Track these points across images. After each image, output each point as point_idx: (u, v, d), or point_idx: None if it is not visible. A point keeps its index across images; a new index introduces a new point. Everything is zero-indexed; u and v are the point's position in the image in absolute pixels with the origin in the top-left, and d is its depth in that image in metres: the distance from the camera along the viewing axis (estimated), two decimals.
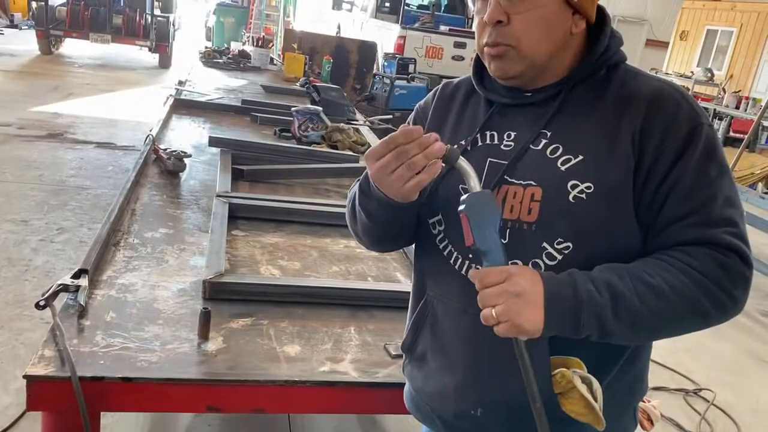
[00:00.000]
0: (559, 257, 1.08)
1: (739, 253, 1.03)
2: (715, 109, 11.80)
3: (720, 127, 11.35)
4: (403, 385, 1.39)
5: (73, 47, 13.38)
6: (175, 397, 1.43)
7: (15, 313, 3.29)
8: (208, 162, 3.15)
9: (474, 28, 1.19)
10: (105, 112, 8.13)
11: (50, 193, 5.06)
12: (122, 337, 1.51)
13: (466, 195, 1.06)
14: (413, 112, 1.37)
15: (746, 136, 7.58)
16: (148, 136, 3.26)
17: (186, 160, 2.88)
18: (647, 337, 1.13)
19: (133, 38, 12.56)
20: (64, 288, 1.61)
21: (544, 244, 1.08)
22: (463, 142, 1.21)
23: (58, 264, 3.89)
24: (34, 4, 12.70)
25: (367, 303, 1.87)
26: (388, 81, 8.82)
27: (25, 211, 4.64)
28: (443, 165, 1.07)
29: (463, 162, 1.08)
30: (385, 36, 11.10)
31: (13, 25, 15.62)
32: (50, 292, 1.54)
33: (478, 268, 1.08)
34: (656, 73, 13.20)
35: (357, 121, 4.81)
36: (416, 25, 11.21)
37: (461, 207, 1.06)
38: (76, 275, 1.67)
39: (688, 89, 8.82)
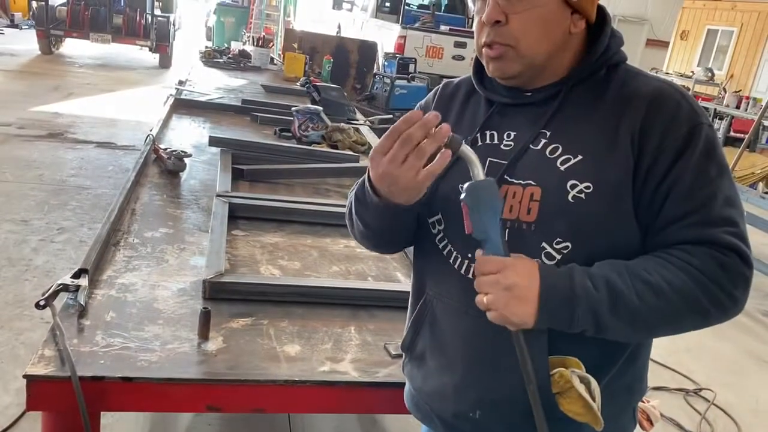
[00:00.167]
0: (558, 257, 1.08)
1: (739, 253, 1.03)
2: (715, 109, 11.80)
3: (720, 126, 11.35)
4: (403, 384, 1.39)
5: (73, 47, 13.38)
6: (175, 396, 1.43)
7: (15, 313, 3.29)
8: (208, 162, 3.16)
9: (473, 28, 1.19)
10: (105, 111, 8.14)
11: (50, 192, 5.06)
12: (122, 337, 1.51)
13: (468, 183, 1.06)
14: None
15: (747, 136, 7.58)
16: (148, 135, 3.26)
17: (186, 160, 2.88)
18: (645, 335, 1.13)
19: (134, 38, 12.56)
20: (64, 288, 1.61)
21: (543, 244, 1.08)
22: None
23: (59, 264, 3.89)
24: (34, 4, 12.70)
25: (367, 303, 1.87)
26: (388, 81, 8.83)
27: (26, 210, 4.64)
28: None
29: (466, 149, 1.07)
30: (386, 36, 11.10)
31: (13, 24, 15.62)
32: (50, 291, 1.54)
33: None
34: (657, 72, 13.20)
35: (357, 120, 4.81)
36: (416, 24, 11.22)
37: (462, 195, 1.06)
38: (76, 275, 1.67)
39: (688, 89, 8.84)
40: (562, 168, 1.09)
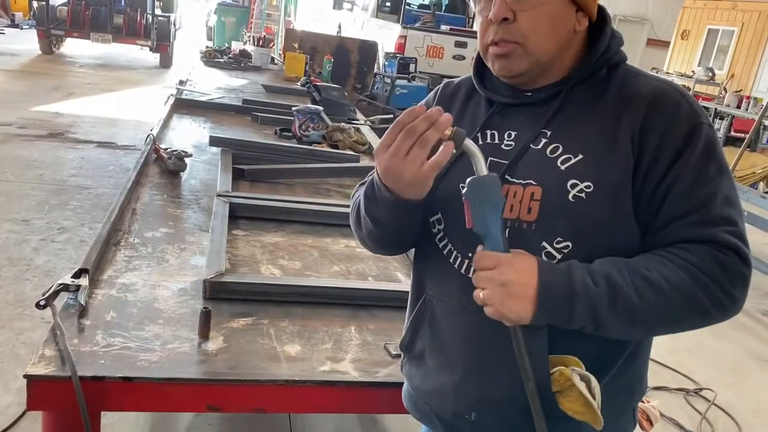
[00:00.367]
0: (559, 256, 1.08)
1: (738, 252, 1.03)
2: (716, 109, 11.79)
3: (721, 126, 11.35)
4: (403, 384, 1.39)
5: (74, 47, 13.38)
6: (175, 396, 1.43)
7: (16, 313, 3.30)
8: (208, 161, 3.16)
9: (476, 27, 1.19)
10: (106, 111, 8.14)
11: (51, 192, 5.07)
12: (122, 337, 1.51)
13: (471, 178, 1.06)
14: None
15: (747, 136, 7.58)
16: (148, 135, 3.26)
17: (187, 160, 2.88)
18: (643, 333, 1.12)
19: (134, 38, 12.57)
20: (65, 287, 1.61)
21: (544, 243, 1.08)
22: None
23: (59, 263, 3.89)
24: (35, 4, 12.70)
25: (367, 303, 1.87)
26: (388, 80, 8.83)
27: (26, 210, 4.65)
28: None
29: (470, 144, 1.07)
30: (386, 35, 11.11)
31: (14, 24, 15.63)
32: (51, 291, 1.54)
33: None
34: (657, 72, 13.19)
35: (358, 120, 4.81)
36: (417, 24, 11.23)
37: (464, 189, 1.06)
38: (77, 275, 1.67)
39: (689, 89, 8.84)
40: (563, 167, 1.09)
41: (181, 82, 5.45)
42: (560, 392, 1.08)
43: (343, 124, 4.06)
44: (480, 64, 1.24)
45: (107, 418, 2.40)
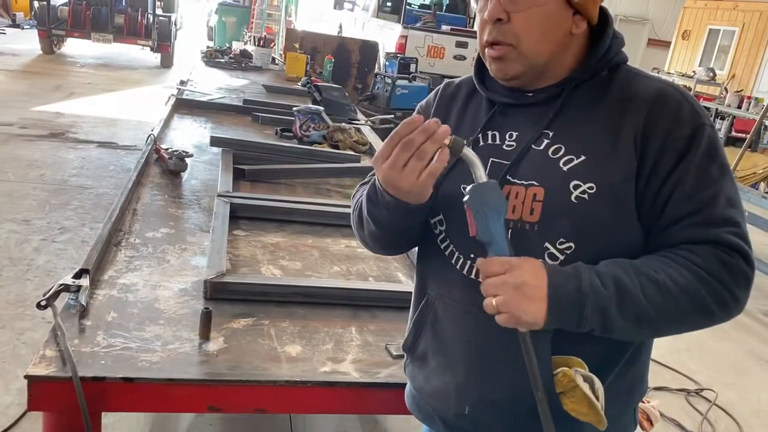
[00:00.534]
0: (562, 257, 1.08)
1: (742, 253, 1.04)
2: (717, 109, 11.78)
3: (722, 126, 11.34)
4: (404, 385, 1.39)
5: (74, 47, 13.38)
6: (176, 397, 1.43)
7: (16, 313, 3.30)
8: (209, 162, 3.16)
9: (476, 27, 1.19)
10: (107, 111, 8.14)
11: (52, 192, 5.07)
12: (123, 337, 1.51)
13: (471, 185, 1.06)
14: (414, 112, 1.37)
15: (748, 136, 7.57)
16: (149, 135, 3.26)
17: (187, 160, 2.88)
18: (649, 333, 1.12)
19: (135, 38, 12.56)
20: (66, 288, 1.61)
21: (547, 245, 1.08)
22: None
23: (60, 264, 3.89)
24: (36, 4, 12.69)
25: (368, 303, 1.87)
26: (389, 80, 8.82)
27: (27, 210, 4.65)
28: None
29: (468, 152, 1.07)
30: (387, 35, 11.10)
31: (15, 24, 15.64)
32: (51, 291, 1.54)
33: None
34: (658, 72, 13.19)
35: (358, 120, 4.81)
36: (418, 24, 11.22)
37: (465, 197, 1.06)
38: (78, 275, 1.67)
39: (690, 89, 8.82)
40: (565, 168, 1.09)
41: (182, 82, 5.44)
42: (564, 393, 1.08)
43: (343, 124, 4.06)
44: (480, 64, 1.24)
45: (108, 419, 2.40)
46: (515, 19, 1.09)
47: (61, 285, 1.60)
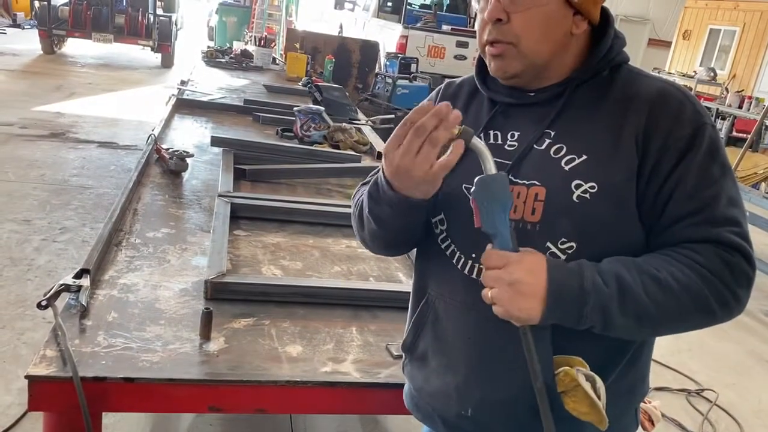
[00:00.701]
0: (563, 257, 1.07)
1: (743, 253, 1.04)
2: (717, 109, 11.77)
3: (723, 126, 11.32)
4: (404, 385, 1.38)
5: (75, 47, 13.39)
6: (176, 397, 1.43)
7: (17, 313, 3.30)
8: (210, 162, 3.15)
9: (476, 27, 1.19)
10: (107, 111, 8.15)
11: (52, 192, 5.07)
12: (124, 337, 1.51)
13: (479, 177, 1.06)
14: None
15: (749, 136, 7.57)
16: (150, 135, 3.26)
17: (188, 160, 2.88)
18: (650, 332, 1.12)
19: (136, 38, 12.57)
20: (66, 288, 1.61)
21: (548, 244, 1.08)
22: None
23: (61, 263, 3.89)
24: (36, 4, 12.70)
25: (369, 303, 1.87)
26: (390, 80, 8.83)
27: (28, 210, 4.65)
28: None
29: (478, 142, 1.07)
30: (388, 35, 11.11)
31: (15, 24, 15.64)
32: (52, 291, 1.54)
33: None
34: (659, 72, 13.18)
35: (359, 120, 4.81)
36: (418, 24, 11.23)
37: (472, 189, 1.06)
38: (78, 275, 1.67)
39: (690, 89, 8.82)
40: (567, 168, 1.09)
41: (183, 82, 5.45)
42: (565, 392, 1.08)
43: (344, 124, 4.05)
44: (482, 64, 1.23)
45: (108, 419, 2.39)
46: (515, 20, 1.09)
47: (61, 285, 1.60)
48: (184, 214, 2.43)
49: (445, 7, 12.57)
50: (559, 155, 1.10)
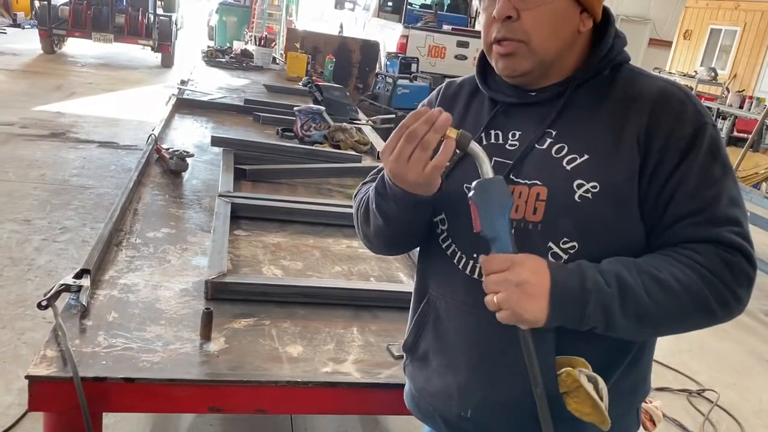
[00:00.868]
0: (565, 257, 1.07)
1: (744, 253, 1.04)
2: (718, 109, 11.76)
3: (724, 126, 11.32)
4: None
5: (75, 46, 13.39)
6: (177, 397, 1.42)
7: (17, 313, 3.30)
8: (210, 162, 3.15)
9: (480, 26, 1.19)
10: (107, 111, 8.14)
11: (53, 192, 5.07)
12: (124, 338, 1.51)
13: (477, 181, 1.06)
14: None
15: (750, 136, 7.57)
16: (150, 135, 3.26)
17: (188, 160, 2.88)
18: (651, 332, 1.12)
19: (136, 37, 12.58)
20: (66, 288, 1.60)
21: (550, 244, 1.08)
22: None
23: (61, 263, 3.89)
24: (37, 4, 12.71)
25: (369, 303, 1.86)
26: (390, 80, 8.83)
27: (28, 210, 4.65)
28: (457, 150, 1.06)
29: (475, 146, 1.07)
30: (388, 35, 11.11)
31: (15, 24, 15.65)
32: (52, 292, 1.54)
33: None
34: (660, 72, 13.18)
35: (359, 120, 4.81)
36: (419, 24, 11.23)
37: (471, 193, 1.06)
38: (79, 275, 1.67)
39: (691, 89, 8.82)
40: (568, 167, 1.08)
41: (183, 82, 5.44)
42: (567, 393, 1.07)
43: (344, 124, 4.05)
44: (483, 64, 1.23)
45: (109, 419, 2.39)
46: (525, 17, 1.09)
47: (62, 285, 1.60)
48: (185, 214, 2.42)
49: (445, 7, 12.57)
50: (561, 155, 1.10)
